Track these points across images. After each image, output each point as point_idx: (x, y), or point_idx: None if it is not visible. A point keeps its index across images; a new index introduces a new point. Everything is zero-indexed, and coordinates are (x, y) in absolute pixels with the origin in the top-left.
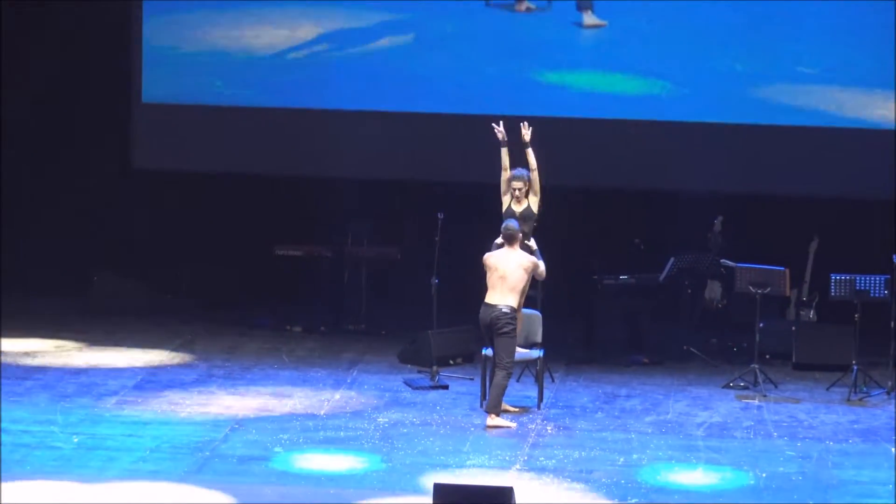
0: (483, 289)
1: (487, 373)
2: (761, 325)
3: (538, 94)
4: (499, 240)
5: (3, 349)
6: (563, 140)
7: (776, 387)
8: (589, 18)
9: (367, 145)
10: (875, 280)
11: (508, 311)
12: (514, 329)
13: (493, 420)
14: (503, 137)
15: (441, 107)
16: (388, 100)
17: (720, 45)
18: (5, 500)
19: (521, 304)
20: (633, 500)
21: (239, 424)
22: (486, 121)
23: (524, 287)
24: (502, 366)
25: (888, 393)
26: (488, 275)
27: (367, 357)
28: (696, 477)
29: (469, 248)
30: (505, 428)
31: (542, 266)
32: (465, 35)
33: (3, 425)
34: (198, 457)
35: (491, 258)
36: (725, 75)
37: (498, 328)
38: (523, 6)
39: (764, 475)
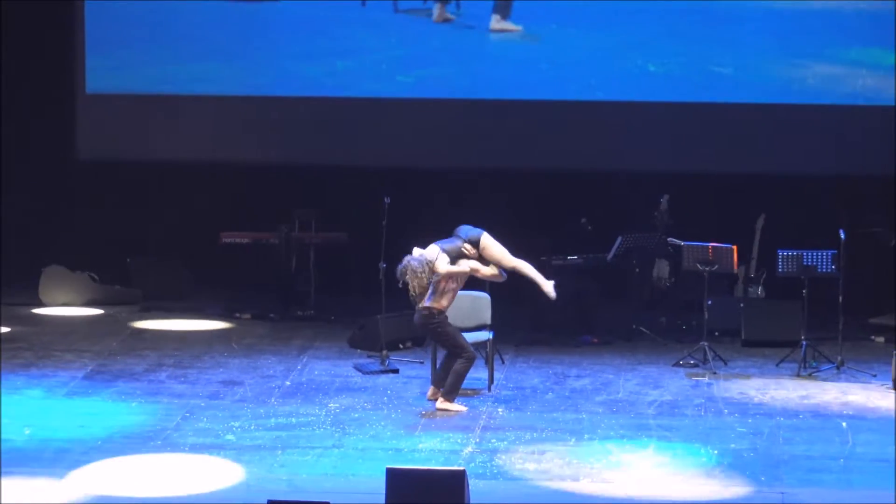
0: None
1: (438, 356)
2: (709, 302)
3: (483, 78)
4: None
5: None
6: (506, 122)
7: (726, 364)
8: (496, 23)
9: (311, 131)
10: (822, 255)
11: (426, 312)
12: (440, 324)
13: (442, 403)
14: None
15: (385, 92)
16: (327, 87)
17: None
18: None
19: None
20: (586, 480)
21: (190, 413)
22: (432, 105)
23: (442, 288)
24: (460, 356)
25: (837, 367)
26: None
27: (317, 343)
28: (647, 455)
29: (417, 231)
30: (455, 412)
31: (439, 266)
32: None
33: None
34: (149, 446)
35: None
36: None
37: (427, 331)
38: (441, 16)
39: (715, 452)
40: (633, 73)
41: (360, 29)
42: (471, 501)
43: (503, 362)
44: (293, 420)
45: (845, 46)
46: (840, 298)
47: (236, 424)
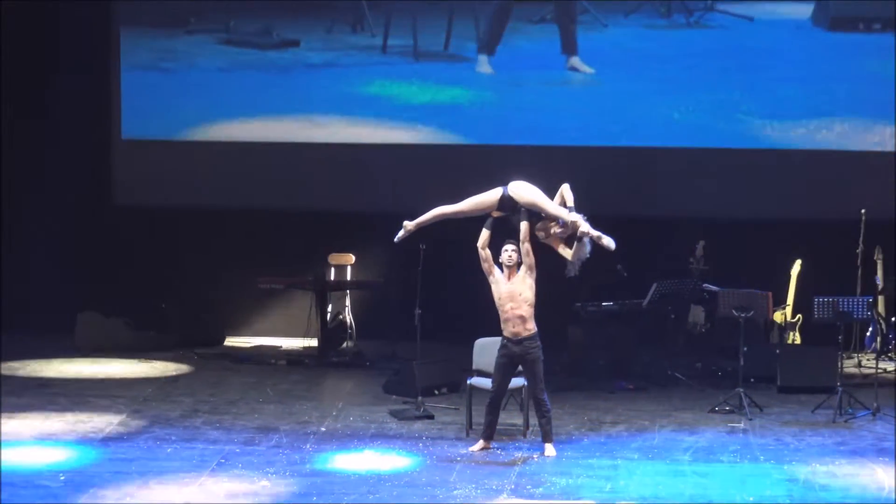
0: (464, 320)
1: (472, 402)
2: (745, 348)
3: (505, 124)
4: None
5: None
6: (542, 167)
7: (761, 410)
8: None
9: (347, 177)
10: (858, 301)
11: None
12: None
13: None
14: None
15: (421, 137)
16: (353, 133)
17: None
18: None
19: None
20: None
21: (225, 458)
22: (472, 151)
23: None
24: None
25: (873, 414)
26: None
27: (352, 389)
28: (683, 502)
29: (454, 276)
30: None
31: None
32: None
33: None
34: (184, 492)
35: None
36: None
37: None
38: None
39: (751, 499)
40: (661, 118)
41: (381, 76)
42: None
43: None
44: (328, 466)
45: (872, 93)
46: (876, 345)
47: (271, 471)
